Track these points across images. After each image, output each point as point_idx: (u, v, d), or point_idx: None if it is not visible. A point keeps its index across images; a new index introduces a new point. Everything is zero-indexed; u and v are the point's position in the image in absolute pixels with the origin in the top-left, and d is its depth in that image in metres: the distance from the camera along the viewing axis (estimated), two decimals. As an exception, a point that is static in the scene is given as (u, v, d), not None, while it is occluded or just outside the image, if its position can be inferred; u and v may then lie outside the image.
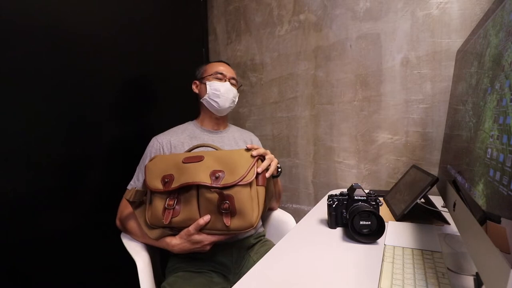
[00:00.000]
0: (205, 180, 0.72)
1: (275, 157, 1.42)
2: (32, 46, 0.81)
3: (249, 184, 0.73)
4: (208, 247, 0.76)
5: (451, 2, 1.01)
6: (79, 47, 0.93)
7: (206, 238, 0.74)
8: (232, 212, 0.71)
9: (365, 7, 1.16)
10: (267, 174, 0.77)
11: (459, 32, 1.01)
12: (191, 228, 0.73)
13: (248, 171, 0.73)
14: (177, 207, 0.74)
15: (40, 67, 0.83)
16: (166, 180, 0.76)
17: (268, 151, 0.83)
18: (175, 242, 0.76)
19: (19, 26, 0.79)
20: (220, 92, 0.97)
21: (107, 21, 1.03)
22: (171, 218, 0.73)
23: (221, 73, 1.00)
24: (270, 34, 1.39)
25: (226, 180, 0.72)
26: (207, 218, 0.72)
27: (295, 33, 1.33)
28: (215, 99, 0.98)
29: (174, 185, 0.74)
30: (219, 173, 0.73)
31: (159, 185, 0.76)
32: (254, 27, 1.43)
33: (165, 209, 0.74)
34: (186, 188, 0.74)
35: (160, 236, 0.76)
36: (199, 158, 0.77)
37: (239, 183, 0.72)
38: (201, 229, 0.74)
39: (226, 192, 0.71)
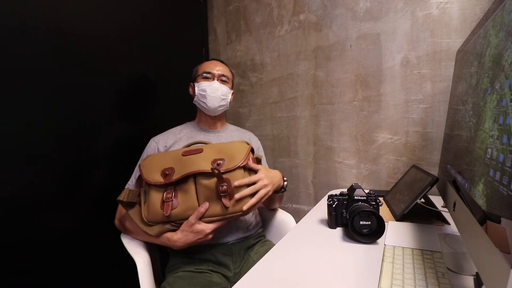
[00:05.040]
0: (209, 168, 0.77)
1: (275, 156, 1.43)
2: (32, 47, 0.81)
3: (243, 168, 0.80)
4: (210, 236, 0.77)
5: (451, 2, 1.01)
6: (79, 47, 0.93)
7: (207, 227, 0.75)
8: (230, 194, 0.76)
9: (365, 7, 1.16)
10: (244, 207, 0.76)
11: (459, 32, 1.01)
12: (192, 218, 0.74)
13: (245, 157, 0.81)
14: (175, 199, 0.76)
15: (40, 68, 0.83)
16: (167, 172, 0.78)
17: (260, 177, 0.82)
18: (176, 237, 0.76)
19: (19, 27, 0.78)
20: (206, 92, 0.96)
21: (106, 22, 1.03)
22: (171, 210, 0.75)
23: (208, 72, 0.99)
24: (270, 34, 1.39)
25: (227, 166, 0.78)
26: (206, 205, 0.75)
27: (295, 33, 1.33)
28: (202, 100, 0.97)
29: (176, 176, 0.77)
30: (220, 161, 0.79)
31: (159, 178, 0.77)
32: (254, 27, 1.43)
33: (163, 202, 0.76)
34: (183, 180, 0.77)
35: (160, 232, 0.77)
36: (199, 150, 0.81)
37: (236, 168, 0.78)
38: (201, 218, 0.76)
39: (224, 176, 0.76)
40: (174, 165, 0.79)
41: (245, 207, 0.77)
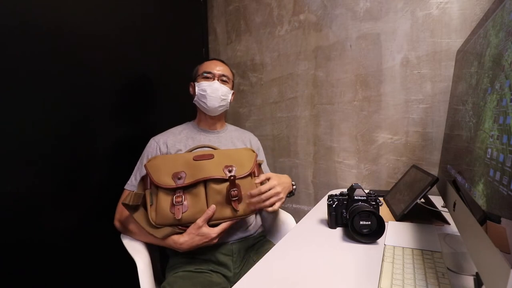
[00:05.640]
0: (221, 174, 0.81)
1: (275, 156, 1.43)
2: (32, 47, 0.81)
3: (250, 175, 0.86)
4: (215, 240, 0.78)
5: (451, 2, 1.01)
6: (79, 47, 0.93)
7: (213, 231, 0.77)
8: (239, 198, 0.81)
9: (365, 7, 1.16)
10: (269, 209, 0.82)
11: (459, 32, 1.01)
12: (199, 220, 0.76)
13: (253, 166, 0.87)
14: (185, 202, 0.78)
15: (40, 68, 0.83)
16: (179, 176, 0.79)
17: (274, 185, 0.84)
18: (183, 239, 0.76)
19: (19, 27, 0.78)
20: (206, 92, 0.96)
21: (106, 21, 1.03)
22: (182, 213, 0.76)
23: (208, 72, 0.99)
24: (270, 34, 1.39)
25: (237, 172, 0.83)
26: (213, 208, 0.78)
27: (295, 33, 1.33)
28: (202, 100, 0.98)
29: (189, 180, 0.79)
30: (231, 168, 0.83)
31: (169, 181, 0.78)
32: (254, 27, 1.43)
33: (173, 205, 0.77)
34: (194, 184, 0.79)
35: (167, 234, 0.77)
36: (210, 156, 0.84)
37: (246, 175, 0.84)
38: (210, 221, 0.78)
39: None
40: (186, 170, 0.80)
41: (251, 208, 0.80)
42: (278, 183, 0.85)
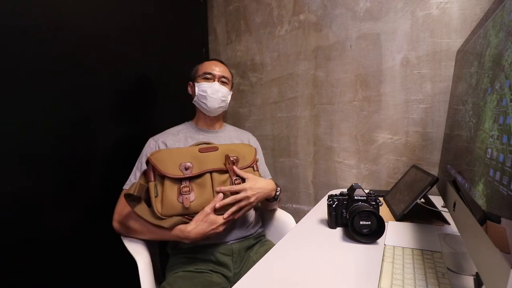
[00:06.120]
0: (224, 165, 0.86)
1: (275, 156, 1.43)
2: (32, 47, 0.81)
3: (252, 167, 0.94)
4: (221, 228, 0.79)
5: (451, 2, 1.01)
6: (79, 47, 0.93)
7: (221, 217, 0.79)
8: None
9: (365, 7, 1.16)
10: (224, 216, 0.80)
11: (459, 32, 1.01)
12: (207, 208, 0.78)
13: (254, 158, 0.95)
14: (192, 192, 0.80)
15: (40, 68, 0.83)
16: (187, 167, 0.81)
17: (244, 188, 0.83)
18: (190, 227, 0.77)
19: (19, 27, 0.78)
20: (207, 93, 0.97)
21: (106, 21, 1.03)
22: (190, 202, 0.78)
23: (209, 73, 0.99)
24: (270, 34, 1.39)
25: (242, 164, 0.90)
26: (220, 196, 0.81)
27: (295, 33, 1.33)
28: (202, 101, 0.98)
29: (196, 171, 0.82)
30: (235, 158, 0.89)
31: (177, 172, 0.80)
32: (254, 27, 1.43)
33: (180, 195, 0.78)
34: (201, 175, 0.83)
35: (175, 224, 0.77)
36: (215, 148, 0.88)
37: (249, 166, 0.92)
38: (215, 210, 0.79)
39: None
40: (193, 161, 0.83)
41: (225, 216, 0.79)
42: (250, 187, 0.84)
